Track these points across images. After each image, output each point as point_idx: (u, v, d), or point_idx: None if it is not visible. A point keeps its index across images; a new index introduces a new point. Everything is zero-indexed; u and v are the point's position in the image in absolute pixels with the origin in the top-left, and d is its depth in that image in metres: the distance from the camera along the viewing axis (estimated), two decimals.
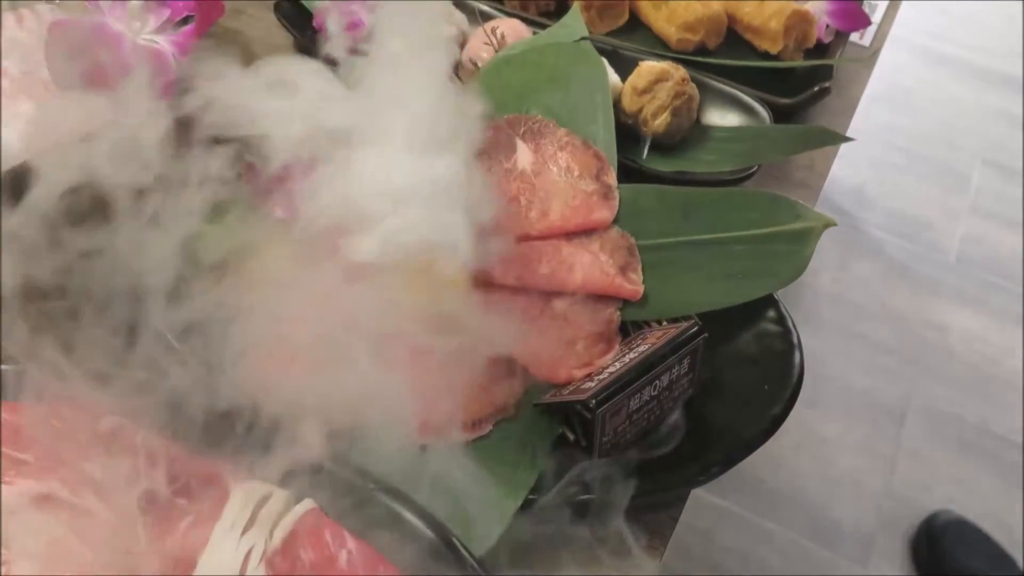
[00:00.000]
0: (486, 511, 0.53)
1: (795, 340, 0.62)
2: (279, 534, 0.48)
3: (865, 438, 1.73)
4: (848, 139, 0.76)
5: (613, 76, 0.80)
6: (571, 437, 0.58)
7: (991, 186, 2.35)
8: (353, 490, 0.50)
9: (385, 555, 0.48)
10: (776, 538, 1.54)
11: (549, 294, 0.64)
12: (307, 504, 0.50)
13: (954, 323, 1.98)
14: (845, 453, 1.70)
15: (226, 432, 0.52)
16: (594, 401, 0.54)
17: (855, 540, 1.57)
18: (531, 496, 0.54)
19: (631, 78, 0.80)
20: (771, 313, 0.64)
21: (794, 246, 0.65)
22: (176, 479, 0.51)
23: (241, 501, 0.49)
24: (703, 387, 0.61)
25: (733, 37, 0.98)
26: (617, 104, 0.79)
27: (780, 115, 0.84)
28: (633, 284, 0.64)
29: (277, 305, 0.59)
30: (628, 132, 0.79)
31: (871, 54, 0.98)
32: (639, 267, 0.66)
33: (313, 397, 0.55)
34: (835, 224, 0.66)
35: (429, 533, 0.49)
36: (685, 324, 0.59)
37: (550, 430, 0.58)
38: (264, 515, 0.49)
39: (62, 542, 0.48)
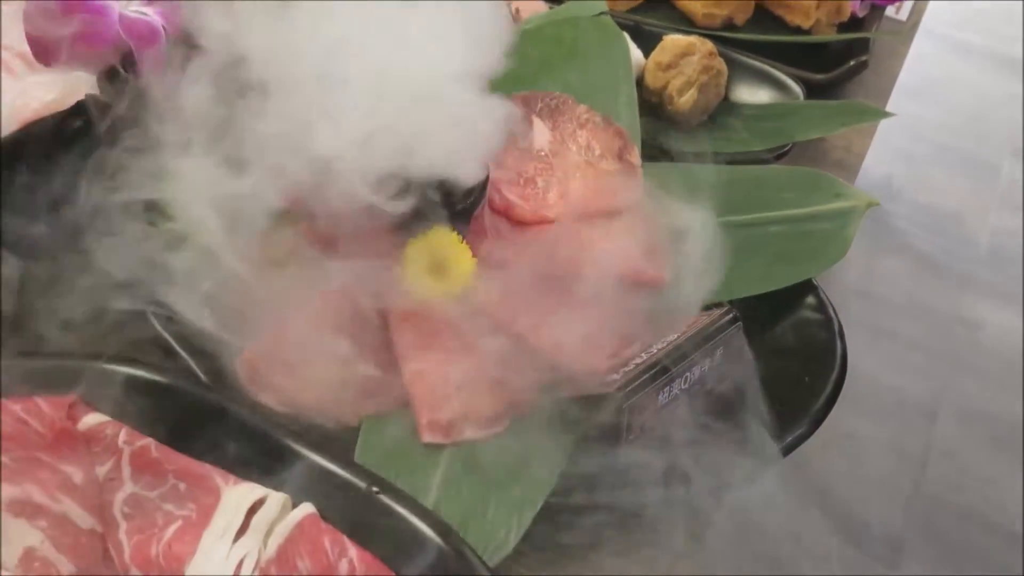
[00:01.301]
0: (502, 515, 0.49)
1: (837, 329, 0.59)
2: (274, 541, 0.45)
3: (895, 436, 1.70)
4: (889, 114, 0.72)
5: (635, 52, 0.77)
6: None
7: (1021, 178, 2.30)
8: (355, 493, 0.47)
9: (389, 564, 0.45)
10: (804, 539, 1.50)
11: (569, 281, 0.59)
12: (305, 509, 0.46)
13: (986, 318, 1.95)
14: (874, 452, 1.67)
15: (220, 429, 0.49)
16: (619, 395, 0.50)
17: (885, 541, 1.53)
18: (551, 500, 0.50)
19: (655, 53, 0.76)
20: (810, 300, 0.61)
21: (835, 227, 0.62)
22: (162, 482, 0.48)
23: (233, 506, 0.46)
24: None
25: (762, 12, 0.95)
26: (640, 82, 0.76)
27: (813, 93, 0.81)
28: (660, 269, 0.60)
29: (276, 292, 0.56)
30: (652, 111, 0.76)
31: (910, 27, 0.94)
32: (666, 251, 0.61)
33: (314, 389, 0.53)
34: (878, 204, 0.63)
35: (438, 540, 0.45)
36: (717, 312, 0.56)
37: (572, 427, 0.54)
38: (258, 521, 0.46)
39: (38, 551, 0.44)
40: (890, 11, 0.99)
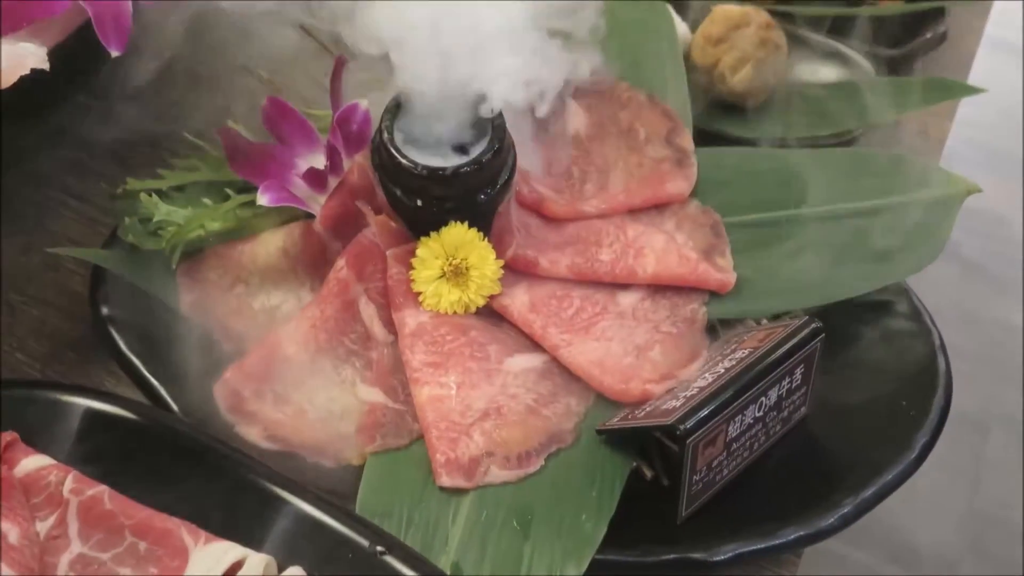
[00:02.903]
0: None
1: (937, 341, 0.51)
2: None
3: (945, 452, 1.58)
4: (979, 89, 0.64)
5: (680, 25, 0.68)
6: (648, 474, 0.46)
7: None
8: (356, 554, 0.40)
9: None
10: (849, 564, 1.43)
11: (613, 286, 0.53)
12: (294, 572, 0.40)
13: None
14: (923, 468, 1.57)
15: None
16: (681, 427, 0.42)
17: (938, 565, 1.47)
18: (599, 556, 0.42)
19: (703, 25, 0.69)
20: (902, 307, 0.53)
21: (928, 219, 0.54)
22: (117, 540, 0.42)
23: (204, 569, 0.40)
24: (821, 405, 0.49)
25: None
26: (686, 59, 0.68)
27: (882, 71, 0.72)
28: (722, 271, 0.53)
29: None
30: (701, 92, 0.68)
31: None
32: (728, 250, 0.54)
33: (308, 420, 0.47)
34: (979, 190, 0.55)
35: None
36: (795, 322, 0.48)
37: (620, 465, 0.46)
38: None
39: None
40: None
